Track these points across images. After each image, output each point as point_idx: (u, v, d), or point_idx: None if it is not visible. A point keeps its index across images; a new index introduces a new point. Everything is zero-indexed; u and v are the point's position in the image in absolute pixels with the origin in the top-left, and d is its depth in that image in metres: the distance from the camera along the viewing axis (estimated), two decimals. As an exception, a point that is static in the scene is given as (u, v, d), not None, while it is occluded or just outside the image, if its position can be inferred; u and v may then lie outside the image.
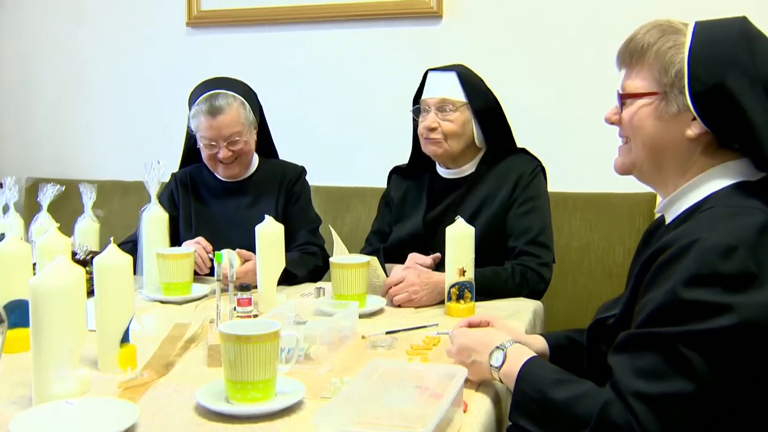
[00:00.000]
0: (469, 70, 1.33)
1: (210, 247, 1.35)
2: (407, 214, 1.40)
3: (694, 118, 0.72)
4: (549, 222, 1.36)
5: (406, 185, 1.42)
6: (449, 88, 1.32)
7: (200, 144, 1.42)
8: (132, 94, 2.10)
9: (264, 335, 0.75)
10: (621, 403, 0.66)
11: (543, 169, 1.37)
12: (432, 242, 1.32)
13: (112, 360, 0.88)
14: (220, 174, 1.45)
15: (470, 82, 1.31)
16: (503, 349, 0.79)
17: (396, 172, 1.45)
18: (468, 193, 1.36)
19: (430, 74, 1.33)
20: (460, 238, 1.18)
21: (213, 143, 1.41)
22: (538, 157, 1.37)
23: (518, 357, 0.78)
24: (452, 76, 1.31)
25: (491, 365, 0.80)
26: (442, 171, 1.38)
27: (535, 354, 0.79)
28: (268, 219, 1.21)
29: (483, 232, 1.30)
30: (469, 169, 1.36)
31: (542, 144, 1.61)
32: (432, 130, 1.32)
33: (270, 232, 1.20)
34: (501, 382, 0.80)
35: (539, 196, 1.35)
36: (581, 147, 1.80)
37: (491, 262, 1.31)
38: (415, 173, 1.41)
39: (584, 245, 1.71)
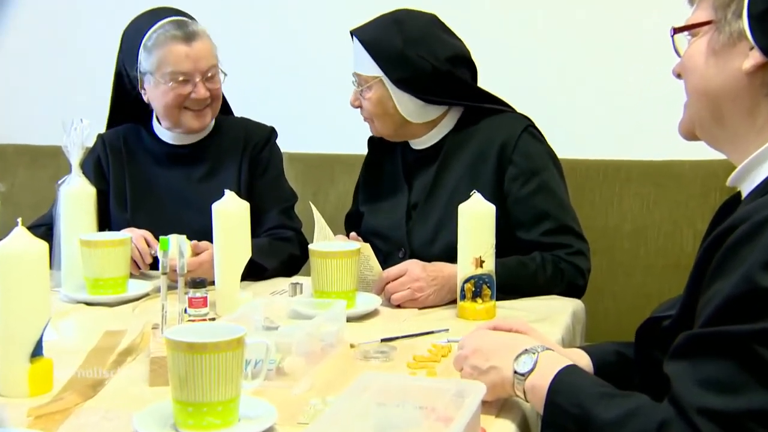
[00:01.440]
0: (389, 26, 1.33)
1: (152, 240, 1.32)
2: (384, 196, 1.43)
3: (752, 48, 0.72)
4: (565, 197, 1.37)
5: (384, 159, 1.46)
6: (359, 59, 1.34)
7: (164, 84, 1.37)
8: (38, 29, 1.98)
9: (224, 343, 0.75)
10: (683, 423, 0.64)
11: (534, 128, 1.38)
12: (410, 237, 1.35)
13: (20, 379, 0.84)
14: (187, 125, 1.41)
15: (383, 47, 1.31)
16: (534, 353, 0.79)
17: (373, 141, 1.49)
18: (443, 169, 1.37)
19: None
20: (477, 218, 1.18)
21: (186, 79, 1.37)
22: (529, 116, 1.40)
23: (552, 364, 0.77)
24: (358, 45, 1.32)
25: (516, 372, 0.79)
26: (412, 141, 1.41)
27: (572, 362, 0.79)
28: (229, 195, 1.21)
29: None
30: (436, 135, 1.39)
31: (585, 103, 1.69)
32: (358, 107, 1.38)
33: (231, 212, 1.20)
34: (525, 398, 0.79)
35: (543, 168, 1.36)
36: (636, 107, 1.82)
37: (512, 253, 1.35)
38: (392, 144, 1.44)
39: (640, 229, 1.70)
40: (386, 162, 1.47)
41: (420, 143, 1.41)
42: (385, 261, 1.38)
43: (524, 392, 0.79)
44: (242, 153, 1.49)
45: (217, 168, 1.48)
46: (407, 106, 1.35)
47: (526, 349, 0.80)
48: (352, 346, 1.05)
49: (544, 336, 0.91)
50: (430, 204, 1.38)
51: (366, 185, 1.51)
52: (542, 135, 1.41)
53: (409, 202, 1.42)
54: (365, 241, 1.36)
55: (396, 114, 1.35)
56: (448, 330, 1.14)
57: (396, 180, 1.45)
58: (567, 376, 0.76)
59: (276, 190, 1.53)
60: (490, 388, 0.80)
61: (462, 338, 0.91)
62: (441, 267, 1.28)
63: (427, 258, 1.31)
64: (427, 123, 1.39)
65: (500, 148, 1.35)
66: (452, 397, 0.74)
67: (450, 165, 1.38)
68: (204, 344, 0.74)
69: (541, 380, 0.76)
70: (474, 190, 1.21)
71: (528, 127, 1.37)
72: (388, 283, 1.28)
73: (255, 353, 0.86)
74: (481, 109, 1.38)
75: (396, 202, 1.43)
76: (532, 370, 0.78)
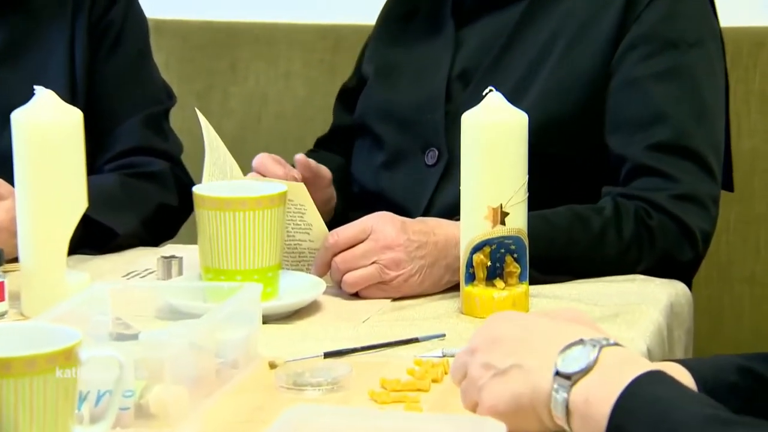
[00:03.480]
0: None
1: None
2: (409, 57, 1.54)
3: None
4: (714, 101, 1.42)
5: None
6: None
7: None
8: None
9: (39, 358, 0.74)
10: None
11: None
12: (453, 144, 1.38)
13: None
14: None
15: None
16: (594, 346, 0.77)
17: None
18: (529, 18, 1.43)
19: None
20: (495, 136, 1.18)
21: None
22: None
23: (623, 365, 0.77)
24: None
25: (558, 373, 0.76)
26: None
27: (656, 367, 0.78)
28: (44, 94, 1.17)
29: (548, 117, 1.35)
30: None
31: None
32: None
33: (47, 127, 1.19)
34: (567, 426, 0.76)
35: (693, 42, 1.41)
36: None
37: (566, 196, 1.38)
38: None
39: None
40: (422, 4, 1.55)
41: None
42: (391, 177, 1.48)
43: (567, 410, 0.77)
44: (73, 14, 1.45)
45: (25, 41, 1.44)
46: None
47: (581, 339, 0.79)
48: (272, 365, 1.04)
49: (602, 330, 0.88)
50: (495, 74, 1.42)
51: (385, 32, 1.61)
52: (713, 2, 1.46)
53: (452, 67, 1.49)
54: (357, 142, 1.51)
55: None
56: (443, 336, 1.12)
57: (435, 25, 1.52)
58: (649, 386, 0.76)
59: (134, 84, 1.50)
60: (511, 406, 0.80)
61: (482, 324, 0.87)
62: (435, 225, 1.28)
63: None
64: None
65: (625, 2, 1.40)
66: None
67: (541, 12, 1.43)
68: (7, 361, 0.73)
69: (603, 389, 0.76)
70: (490, 87, 1.19)
71: None
72: (337, 253, 1.25)
73: (97, 380, 0.86)
74: None
75: (429, 67, 1.52)
76: (587, 369, 0.77)
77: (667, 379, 0.79)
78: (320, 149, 1.64)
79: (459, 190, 1.22)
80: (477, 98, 1.23)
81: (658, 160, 1.37)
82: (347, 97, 1.64)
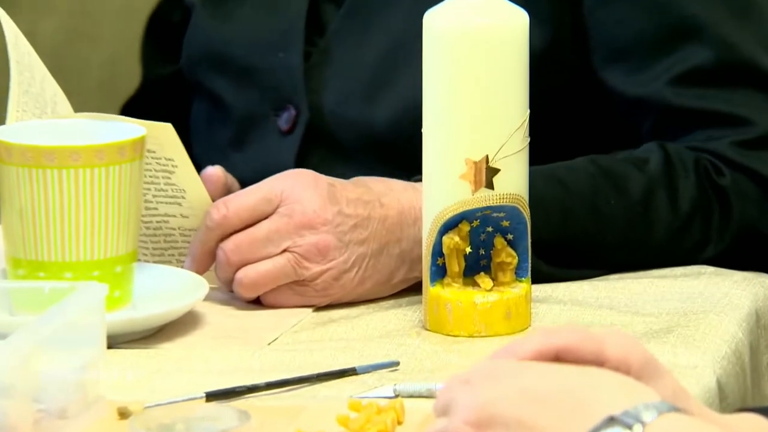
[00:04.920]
0: None
1: None
2: None
3: None
4: None
5: None
6: None
7: None
8: None
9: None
10: None
11: None
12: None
13: None
14: None
15: None
16: (635, 422, 0.77)
17: None
18: None
19: None
20: (477, 47, 1.18)
21: None
22: None
23: None
24: None
25: None
26: None
27: None
28: None
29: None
30: None
31: None
32: None
33: None
34: None
35: None
36: None
37: (549, 153, 1.36)
38: None
39: None
40: None
41: None
42: (241, 149, 1.53)
43: None
44: None
45: None
46: None
47: (611, 418, 0.78)
48: (123, 414, 1.01)
49: (656, 369, 0.87)
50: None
51: None
52: None
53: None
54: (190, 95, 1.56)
55: None
56: (396, 366, 1.09)
57: None
58: None
59: None
60: None
61: (449, 382, 0.86)
62: (382, 191, 1.26)
63: (355, 148, 1.45)
64: None
65: None
66: None
67: None
68: None
69: None
70: None
71: None
72: (226, 236, 1.22)
73: None
74: None
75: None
76: None
77: None
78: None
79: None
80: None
81: (701, 97, 1.38)
82: (163, 33, 1.66)
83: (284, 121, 1.50)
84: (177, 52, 1.61)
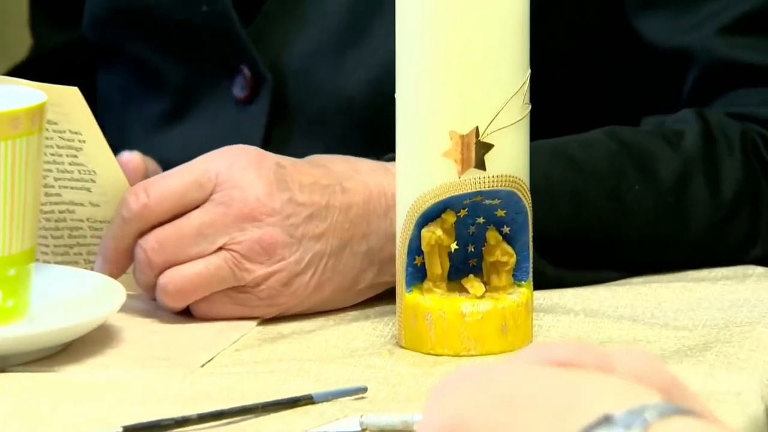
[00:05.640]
0: None
1: None
2: None
3: None
4: None
5: None
6: None
7: None
8: None
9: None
10: None
11: None
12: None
13: None
14: None
15: None
16: (628, 427, 0.72)
17: None
18: None
19: None
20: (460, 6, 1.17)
21: None
22: None
23: None
24: None
25: None
26: None
27: None
28: None
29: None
30: None
31: None
32: None
33: None
34: None
35: None
36: None
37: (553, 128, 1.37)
38: None
39: None
40: None
41: None
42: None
43: None
44: None
45: None
46: None
47: (606, 416, 0.74)
48: None
49: (698, 405, 0.79)
50: None
51: None
52: None
53: None
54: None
55: None
56: (363, 392, 1.07)
57: None
58: None
59: None
60: None
61: (432, 395, 0.82)
62: (343, 173, 1.25)
63: (323, 120, 1.49)
64: None
65: None
66: None
67: None
68: None
69: None
70: None
71: None
72: (147, 230, 1.19)
73: None
74: None
75: None
76: None
77: None
78: None
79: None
80: None
81: (754, 49, 1.38)
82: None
83: (239, 87, 1.50)
84: (73, 15, 1.58)
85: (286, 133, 1.47)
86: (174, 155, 1.46)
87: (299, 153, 1.28)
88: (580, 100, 1.45)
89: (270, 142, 1.44)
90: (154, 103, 1.56)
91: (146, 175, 1.40)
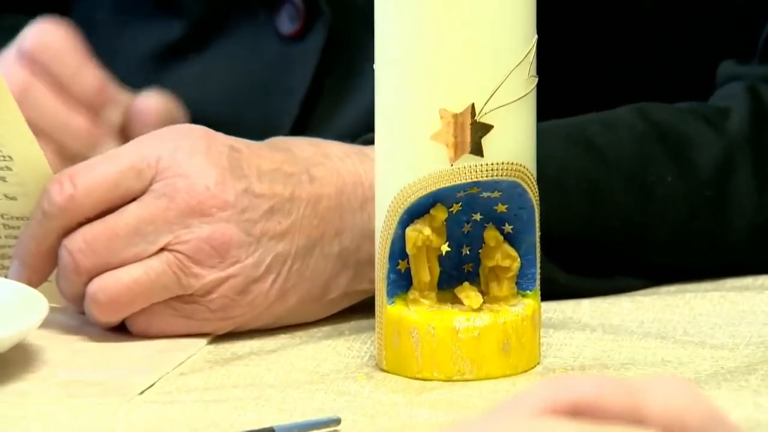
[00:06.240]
0: None
1: None
2: None
3: None
4: None
5: None
6: None
7: None
8: None
9: None
10: None
11: None
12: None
13: None
14: None
15: None
16: None
17: None
18: None
19: None
20: None
21: None
22: None
23: None
24: None
25: None
26: None
27: None
28: None
29: None
30: None
31: None
32: None
33: None
34: None
35: None
36: None
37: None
38: None
39: None
40: None
41: None
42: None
43: None
44: None
45: None
46: None
47: None
48: None
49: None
50: None
51: None
52: None
53: None
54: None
55: None
56: (338, 425, 1.08)
57: None
58: None
59: None
60: None
61: None
62: (311, 158, 1.24)
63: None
64: None
65: None
66: None
67: None
68: None
69: None
70: None
71: None
72: (74, 227, 1.16)
73: None
74: None
75: None
76: None
77: None
78: None
79: (372, 91, 1.19)
80: None
81: None
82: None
83: (286, 19, 1.48)
84: None
85: (339, 81, 1.45)
86: (183, 96, 1.51)
87: (353, 109, 1.27)
88: (602, 70, 1.42)
89: (318, 92, 1.43)
90: (161, 29, 1.55)
91: (172, 119, 1.45)
